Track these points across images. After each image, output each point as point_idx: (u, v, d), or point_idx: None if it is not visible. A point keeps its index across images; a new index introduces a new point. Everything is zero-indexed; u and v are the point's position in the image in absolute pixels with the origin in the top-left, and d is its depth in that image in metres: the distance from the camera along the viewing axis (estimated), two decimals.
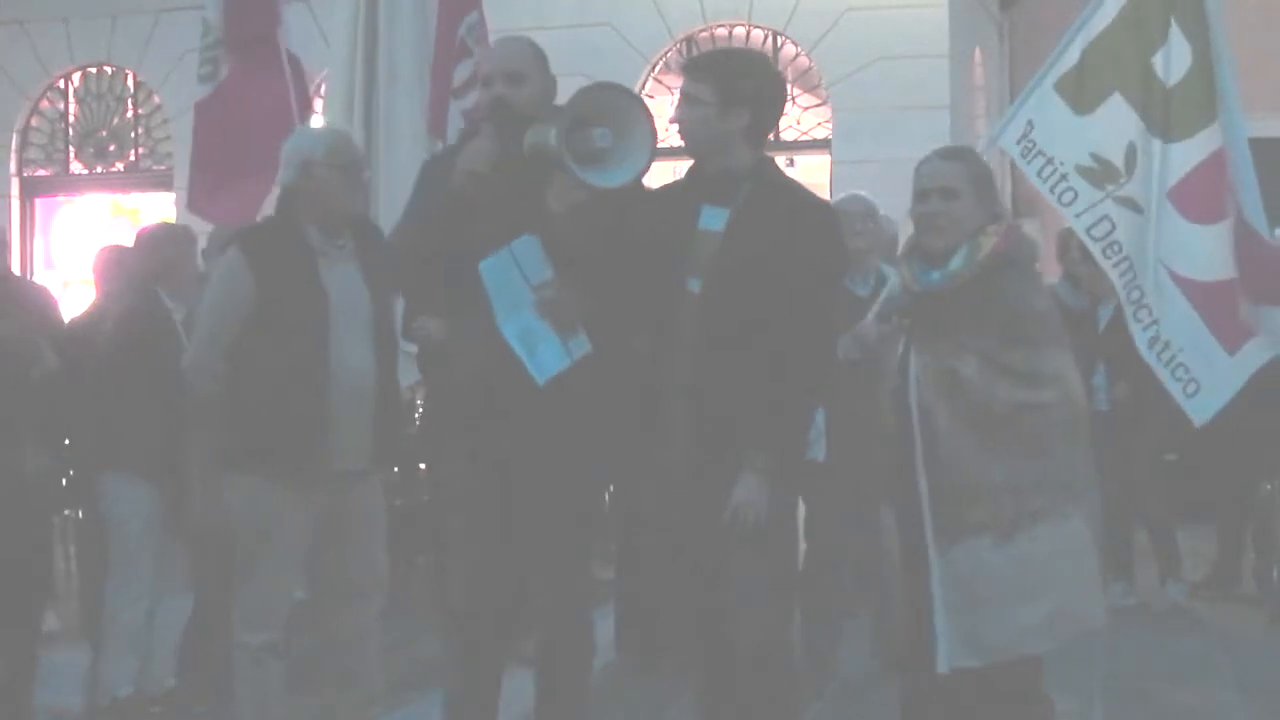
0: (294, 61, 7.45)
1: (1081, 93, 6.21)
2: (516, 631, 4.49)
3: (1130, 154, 6.16)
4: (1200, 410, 6.19)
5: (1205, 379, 6.11)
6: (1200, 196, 6.13)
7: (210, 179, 7.49)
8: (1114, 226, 6.16)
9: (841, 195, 6.51)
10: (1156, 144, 6.17)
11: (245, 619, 4.57)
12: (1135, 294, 6.19)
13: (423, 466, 8.24)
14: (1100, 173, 6.17)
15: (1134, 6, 6.22)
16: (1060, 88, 6.24)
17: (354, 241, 4.65)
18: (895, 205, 6.91)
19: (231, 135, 7.33)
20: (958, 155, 4.26)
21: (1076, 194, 6.12)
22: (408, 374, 5.54)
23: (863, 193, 6.35)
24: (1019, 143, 6.14)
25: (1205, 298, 6.10)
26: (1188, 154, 6.15)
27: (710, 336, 4.00)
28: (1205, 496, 8.38)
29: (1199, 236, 6.12)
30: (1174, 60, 6.21)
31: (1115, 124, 6.20)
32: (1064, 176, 6.11)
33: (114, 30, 14.44)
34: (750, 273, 3.98)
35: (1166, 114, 6.20)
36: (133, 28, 14.35)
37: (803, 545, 5.57)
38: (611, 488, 8.29)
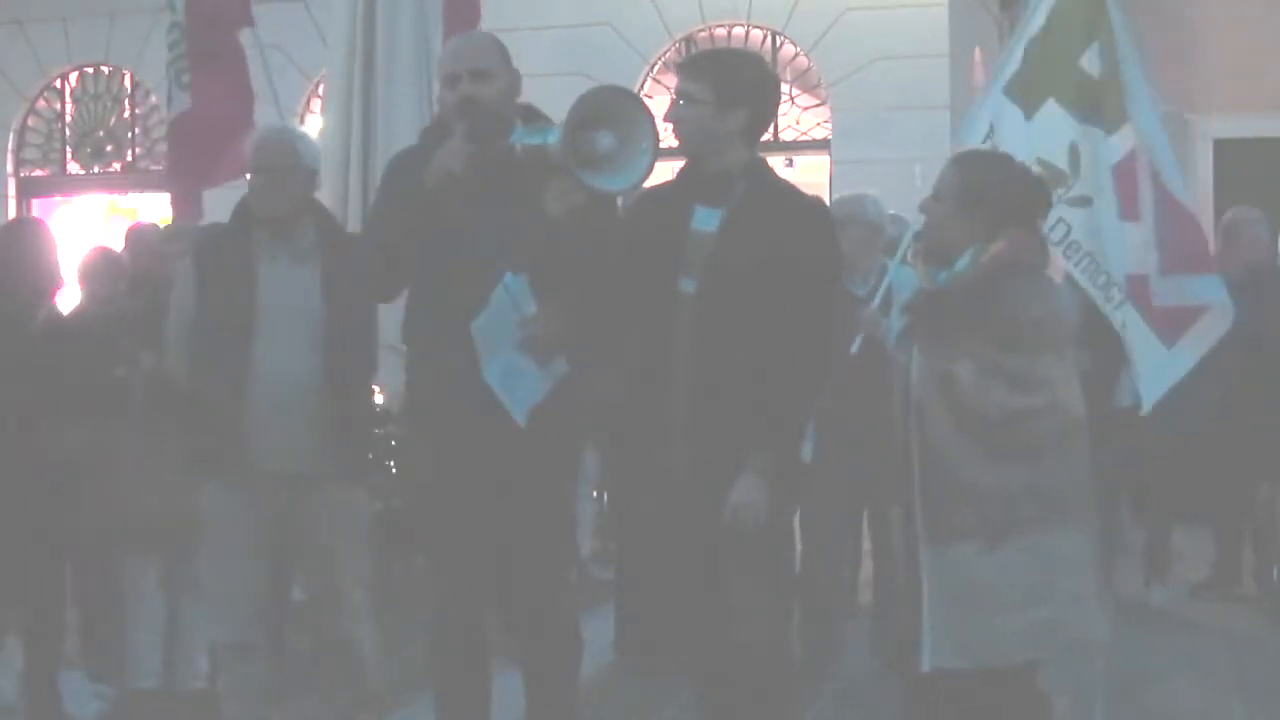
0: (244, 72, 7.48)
1: (1027, 97, 6.36)
2: (506, 630, 4.49)
3: (1074, 154, 6.33)
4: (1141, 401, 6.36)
5: (1144, 370, 6.29)
6: (1122, 192, 6.34)
7: (189, 184, 7.53)
8: (1070, 228, 6.34)
9: (837, 196, 6.53)
10: (1098, 133, 6.31)
11: (212, 619, 4.66)
12: (1101, 279, 6.34)
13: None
14: (1048, 178, 6.28)
15: (1060, 10, 6.35)
16: (1009, 91, 6.36)
17: (319, 244, 4.66)
18: (894, 205, 6.91)
19: (205, 141, 7.39)
20: (958, 161, 4.26)
21: None
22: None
23: (866, 192, 6.33)
24: (983, 143, 6.27)
25: (1134, 289, 6.30)
26: (1115, 147, 6.35)
27: (706, 337, 3.99)
28: (1205, 496, 8.37)
29: (1124, 231, 6.34)
30: (1101, 57, 6.38)
31: (1054, 128, 6.38)
32: None
33: (112, 30, 14.44)
34: (746, 273, 3.97)
35: (1100, 106, 6.36)
36: (131, 28, 14.34)
37: (799, 546, 5.57)
38: (611, 488, 8.29)
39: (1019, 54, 6.35)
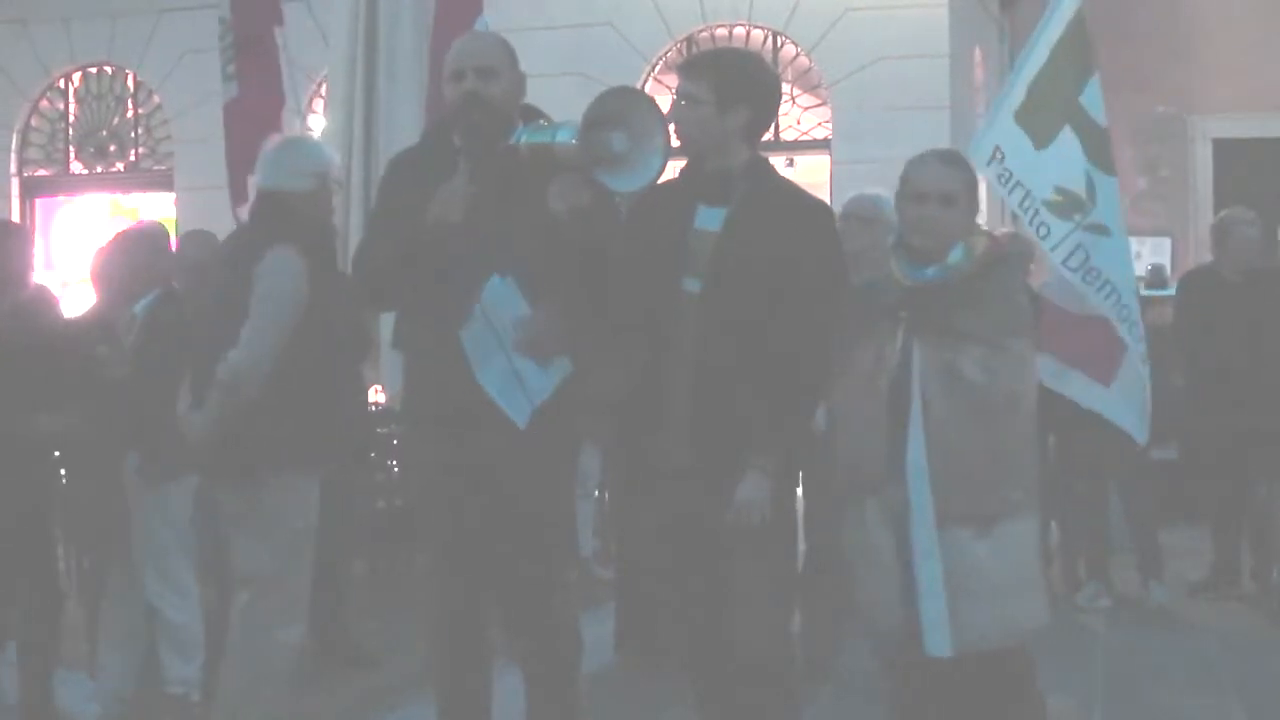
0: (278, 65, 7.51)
1: (1036, 127, 6.45)
2: (506, 630, 4.50)
3: (1090, 182, 6.52)
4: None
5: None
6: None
7: (242, 178, 7.59)
8: (1088, 255, 6.55)
9: (852, 194, 6.49)
10: (1100, 174, 6.48)
11: (285, 615, 4.55)
12: (1124, 312, 6.50)
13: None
14: (1066, 204, 6.52)
15: (1062, 46, 6.49)
16: (1019, 120, 6.41)
17: None
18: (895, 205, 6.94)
19: (253, 133, 7.44)
20: (956, 161, 4.26)
21: (1049, 229, 6.39)
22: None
23: (879, 192, 6.30)
24: (989, 165, 6.36)
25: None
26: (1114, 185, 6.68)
27: (710, 337, 4.00)
28: (1202, 496, 8.38)
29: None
30: (1095, 99, 6.61)
31: (1071, 155, 6.49)
32: (1036, 211, 6.38)
33: (114, 30, 14.44)
34: (749, 272, 3.98)
35: (1103, 149, 6.59)
36: (133, 28, 14.35)
37: (802, 545, 5.58)
38: (611, 488, 8.31)
39: (1021, 88, 6.44)
